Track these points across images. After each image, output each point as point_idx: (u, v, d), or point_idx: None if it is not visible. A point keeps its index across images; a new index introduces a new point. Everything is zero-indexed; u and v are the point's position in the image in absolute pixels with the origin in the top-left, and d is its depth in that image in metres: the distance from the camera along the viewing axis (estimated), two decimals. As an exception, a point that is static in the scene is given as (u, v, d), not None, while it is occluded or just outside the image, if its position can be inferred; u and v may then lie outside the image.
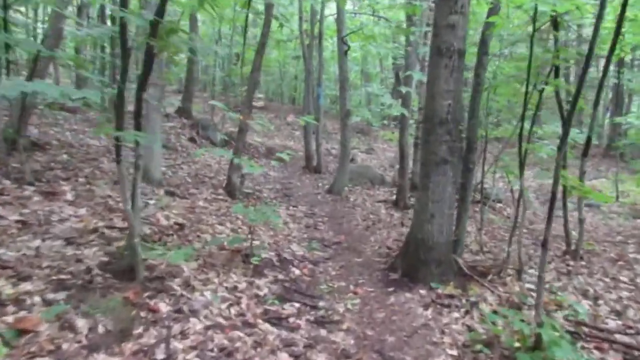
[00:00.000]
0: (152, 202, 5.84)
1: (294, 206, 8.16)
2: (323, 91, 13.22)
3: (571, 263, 6.12)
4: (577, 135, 8.84)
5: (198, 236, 4.95)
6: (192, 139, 12.07)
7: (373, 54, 22.17)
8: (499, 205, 9.85)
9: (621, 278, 5.50)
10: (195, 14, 14.03)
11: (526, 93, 4.73)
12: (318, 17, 12.62)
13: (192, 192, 7.03)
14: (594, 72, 16.80)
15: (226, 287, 3.92)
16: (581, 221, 6.25)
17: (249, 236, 4.78)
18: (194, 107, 15.67)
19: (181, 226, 5.06)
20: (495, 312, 4.01)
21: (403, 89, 7.19)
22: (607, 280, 5.41)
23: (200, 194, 7.11)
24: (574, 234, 6.46)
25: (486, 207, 6.99)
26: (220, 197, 7.21)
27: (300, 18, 13.21)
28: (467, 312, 3.97)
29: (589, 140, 6.01)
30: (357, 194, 9.84)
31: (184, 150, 10.81)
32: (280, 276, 4.50)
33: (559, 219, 10.08)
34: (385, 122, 20.17)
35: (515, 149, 7.88)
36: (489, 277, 4.71)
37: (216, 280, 3.98)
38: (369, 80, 23.52)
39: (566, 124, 6.10)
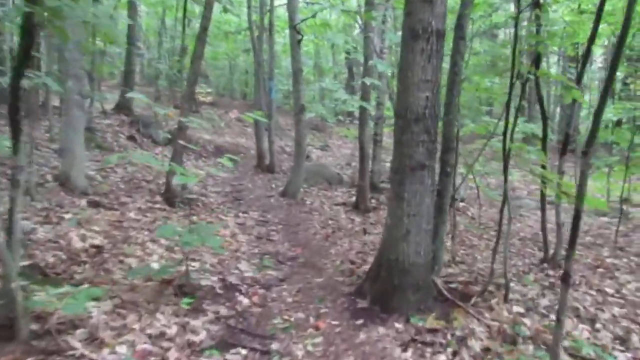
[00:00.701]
0: (67, 216, 4.76)
1: (244, 212, 7.21)
2: (275, 85, 12.28)
3: (551, 272, 5.52)
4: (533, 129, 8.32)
5: (121, 262, 3.95)
6: (131, 138, 10.85)
7: (326, 47, 21.37)
8: (462, 204, 9.25)
9: (607, 290, 4.91)
10: (135, 3, 12.74)
11: (511, 82, 3.99)
12: (268, 7, 11.65)
13: (123, 202, 5.96)
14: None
15: (150, 335, 2.97)
16: (559, 226, 5.66)
17: (185, 262, 3.81)
18: (137, 102, 14.37)
19: (99, 249, 4.04)
20: (487, 349, 3.27)
21: (367, 80, 6.36)
22: (593, 293, 4.80)
23: (134, 202, 6.05)
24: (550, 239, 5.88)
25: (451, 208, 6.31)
26: (158, 205, 6.17)
27: (249, 7, 12.18)
28: (455, 354, 3.18)
29: (567, 137, 5.41)
30: (314, 196, 8.98)
31: (121, 151, 9.61)
32: (224, 310, 3.58)
33: (525, 218, 9.70)
34: (341, 117, 19.42)
35: (473, 146, 7.27)
36: (473, 301, 3.96)
37: (137, 325, 3.02)
38: (322, 75, 22.71)
39: (546, 120, 5.51)
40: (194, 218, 6.15)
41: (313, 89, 20.75)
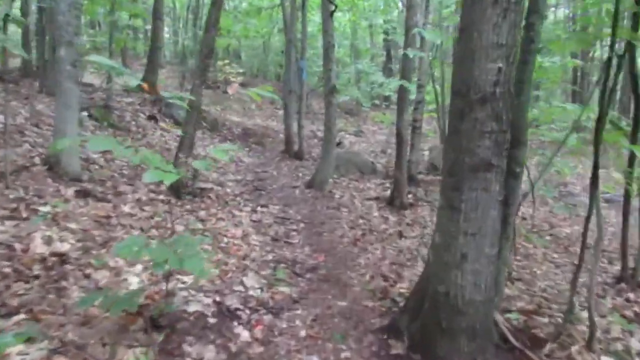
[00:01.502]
0: (44, 210, 3.92)
1: (263, 206, 6.28)
2: (306, 65, 11.23)
3: (631, 296, 4.38)
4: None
5: (86, 277, 3.05)
6: (152, 117, 10.06)
7: (363, 28, 20.07)
8: None
9: None
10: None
11: (611, 52, 2.84)
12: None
13: (121, 191, 5.10)
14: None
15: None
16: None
17: (167, 282, 2.87)
18: (162, 80, 13.65)
19: (63, 258, 3.15)
20: None
21: (410, 53, 5.25)
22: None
23: (134, 192, 5.19)
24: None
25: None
26: (161, 197, 5.29)
27: (281, -21, 11.12)
28: None
29: None
30: (344, 188, 7.96)
31: (138, 132, 8.83)
32: (211, 354, 2.64)
33: (579, 218, 8.36)
34: (377, 102, 18.21)
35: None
36: (546, 348, 2.89)
37: (77, 384, 2.12)
38: (358, 57, 21.45)
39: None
40: (202, 213, 5.25)
41: (349, 71, 19.57)
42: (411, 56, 5.39)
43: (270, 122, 15.69)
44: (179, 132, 10.17)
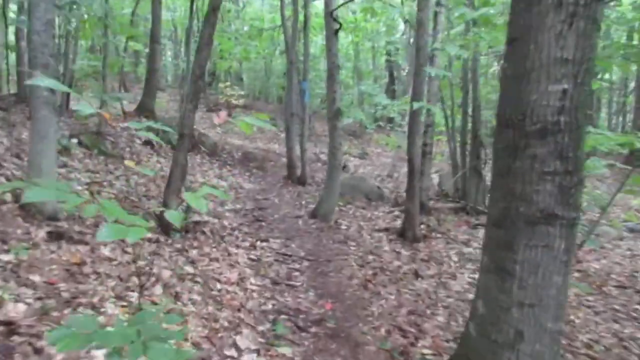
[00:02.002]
0: (5, 258, 3.30)
1: (263, 240, 5.66)
2: (309, 87, 10.72)
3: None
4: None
5: (38, 352, 2.42)
6: (147, 143, 9.50)
7: (366, 50, 19.68)
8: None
9: None
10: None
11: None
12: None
13: (103, 229, 4.49)
14: None
15: None
16: None
17: None
18: (160, 104, 13.16)
19: (11, 327, 2.52)
20: None
21: (431, 71, 4.68)
22: None
23: (118, 230, 4.57)
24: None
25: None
26: (149, 234, 4.68)
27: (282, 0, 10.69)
28: None
29: None
30: (350, 218, 7.34)
31: (132, 158, 8.26)
32: None
33: (609, 252, 7.57)
34: (381, 124, 17.70)
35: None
36: None
37: None
38: (361, 78, 21.04)
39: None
40: (194, 252, 4.63)
41: (352, 92, 19.12)
42: (433, 74, 4.83)
43: (272, 145, 15.16)
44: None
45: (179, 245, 4.70)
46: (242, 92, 17.02)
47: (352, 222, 7.04)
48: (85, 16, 7.84)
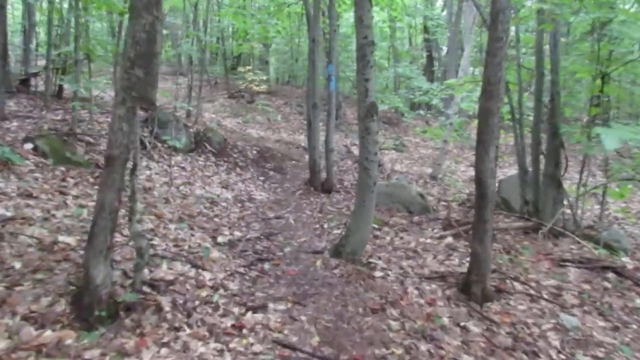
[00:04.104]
0: None
1: (257, 309, 3.60)
2: (336, 72, 8.52)
3: None
4: None
5: None
6: (140, 143, 7.58)
7: (405, 23, 17.14)
8: (622, 260, 5.13)
9: None
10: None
11: None
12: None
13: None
14: None
15: None
16: None
17: None
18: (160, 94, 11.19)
19: None
20: None
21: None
22: None
23: (11, 312, 2.62)
24: None
25: None
26: (59, 321, 2.71)
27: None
28: None
29: None
30: (388, 252, 5.22)
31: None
32: None
33: None
34: (421, 111, 15.28)
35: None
36: None
37: None
38: (397, 60, 18.57)
39: None
40: (130, 351, 2.62)
41: (387, 76, 16.73)
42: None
43: (298, 136, 13.06)
44: (173, 161, 7.67)
45: (104, 341, 2.69)
46: (265, 77, 14.91)
47: (390, 260, 4.92)
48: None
